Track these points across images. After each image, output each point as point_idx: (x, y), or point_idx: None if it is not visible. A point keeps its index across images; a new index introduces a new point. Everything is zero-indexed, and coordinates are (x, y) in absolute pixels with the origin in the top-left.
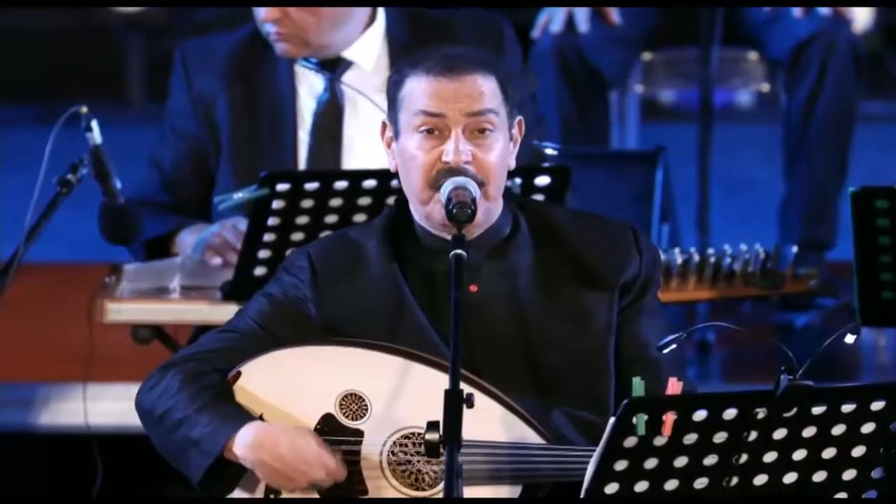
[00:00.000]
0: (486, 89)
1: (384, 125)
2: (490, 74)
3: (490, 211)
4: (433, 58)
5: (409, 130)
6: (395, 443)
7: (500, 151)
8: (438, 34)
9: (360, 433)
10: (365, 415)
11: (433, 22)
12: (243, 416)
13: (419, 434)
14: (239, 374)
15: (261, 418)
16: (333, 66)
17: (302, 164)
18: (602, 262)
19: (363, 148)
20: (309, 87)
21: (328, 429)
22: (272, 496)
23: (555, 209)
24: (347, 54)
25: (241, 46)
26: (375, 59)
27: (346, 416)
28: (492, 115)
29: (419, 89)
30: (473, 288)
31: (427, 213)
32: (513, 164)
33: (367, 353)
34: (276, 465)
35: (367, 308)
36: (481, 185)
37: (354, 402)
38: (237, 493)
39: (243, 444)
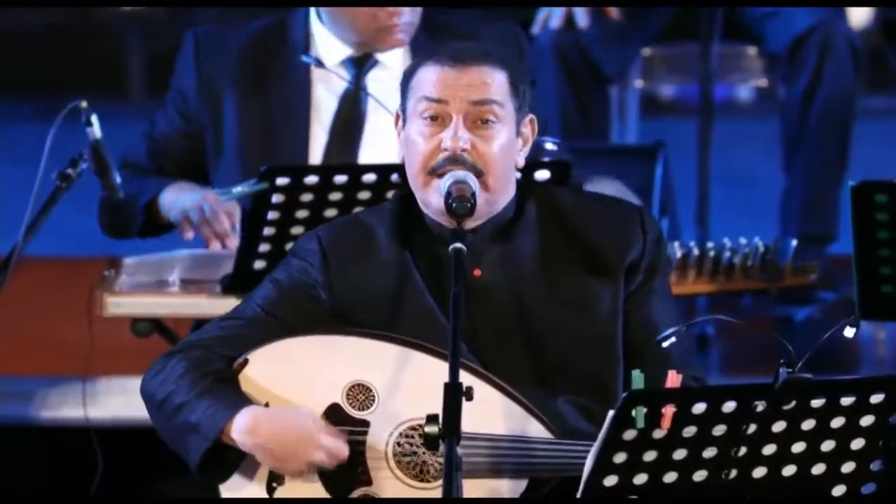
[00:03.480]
0: (492, 80)
1: (397, 115)
2: (500, 68)
3: (490, 202)
4: (445, 49)
5: (413, 117)
6: (401, 434)
7: (503, 144)
8: (459, 40)
9: (366, 424)
10: (371, 405)
11: (455, 29)
12: (242, 400)
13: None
14: (246, 361)
15: (266, 407)
16: (362, 63)
17: (316, 160)
18: (606, 244)
19: (383, 148)
20: (327, 83)
21: (334, 419)
22: (274, 484)
23: (562, 191)
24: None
25: (254, 41)
26: (401, 60)
27: (353, 407)
28: (495, 107)
29: (426, 77)
30: (477, 272)
31: (424, 199)
32: (521, 163)
33: (376, 344)
34: (272, 447)
35: (376, 291)
36: (479, 174)
37: (361, 393)
38: (237, 479)
39: (240, 428)
